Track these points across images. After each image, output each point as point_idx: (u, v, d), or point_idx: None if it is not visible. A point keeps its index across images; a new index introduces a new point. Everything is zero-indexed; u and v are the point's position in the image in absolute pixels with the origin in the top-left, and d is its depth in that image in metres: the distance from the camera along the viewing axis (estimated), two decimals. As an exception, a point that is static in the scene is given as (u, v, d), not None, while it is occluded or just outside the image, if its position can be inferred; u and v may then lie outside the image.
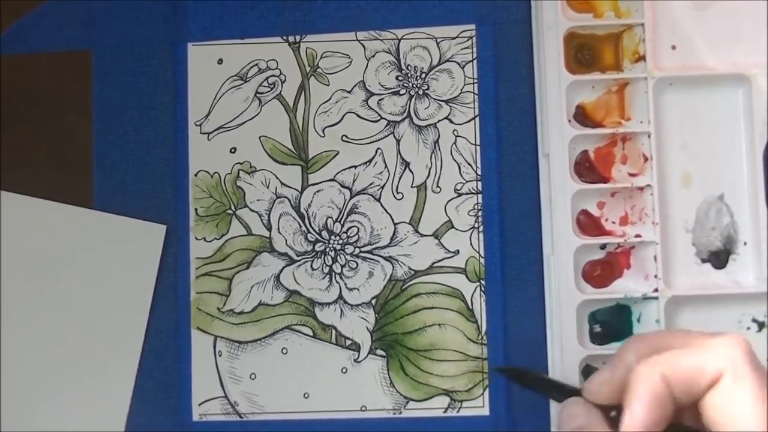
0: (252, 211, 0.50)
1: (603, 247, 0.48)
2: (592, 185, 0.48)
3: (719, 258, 0.48)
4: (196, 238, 0.50)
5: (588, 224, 0.49)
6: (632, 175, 0.49)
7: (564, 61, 0.48)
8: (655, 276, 0.48)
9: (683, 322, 0.48)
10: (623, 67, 0.49)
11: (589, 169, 0.49)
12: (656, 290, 0.47)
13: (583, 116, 0.49)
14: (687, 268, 0.48)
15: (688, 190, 0.49)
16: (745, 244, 0.48)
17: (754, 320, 0.48)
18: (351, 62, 0.50)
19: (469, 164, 0.50)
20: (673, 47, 0.49)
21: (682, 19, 0.49)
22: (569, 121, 0.48)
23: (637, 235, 0.48)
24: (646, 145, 0.48)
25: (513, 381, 0.48)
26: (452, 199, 0.50)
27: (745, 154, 0.48)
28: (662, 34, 0.49)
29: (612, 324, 0.48)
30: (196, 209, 0.50)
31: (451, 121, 0.50)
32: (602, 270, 0.48)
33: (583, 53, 0.49)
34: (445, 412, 0.49)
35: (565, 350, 0.47)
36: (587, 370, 0.47)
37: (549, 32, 0.48)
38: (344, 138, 0.50)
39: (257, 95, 0.50)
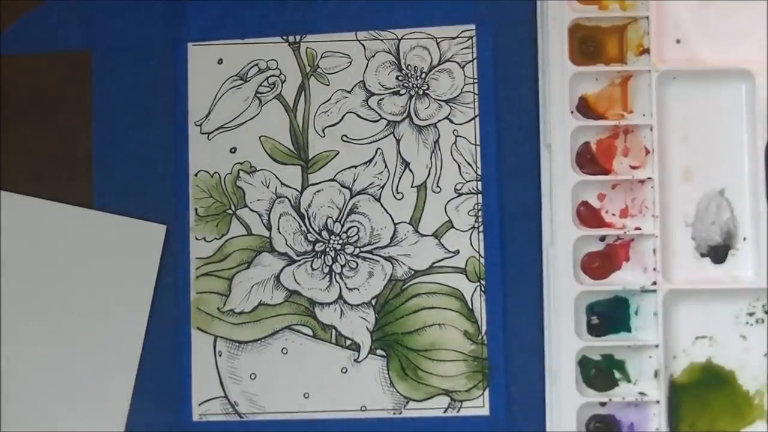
0: (252, 211, 0.50)
1: (602, 239, 0.49)
2: (593, 177, 0.48)
3: (718, 253, 0.49)
4: (196, 238, 0.50)
5: (588, 216, 0.49)
6: (633, 167, 0.49)
7: (568, 52, 0.48)
8: (654, 269, 0.48)
9: (681, 315, 0.48)
10: (627, 59, 0.49)
11: (590, 160, 0.49)
12: (655, 283, 0.48)
13: (585, 108, 0.49)
14: (686, 262, 0.49)
15: (689, 184, 0.49)
16: (744, 239, 0.49)
17: (752, 315, 0.48)
18: (351, 62, 0.50)
19: (469, 164, 0.50)
20: (678, 41, 0.49)
21: (687, 14, 0.49)
22: (572, 112, 0.48)
23: (637, 228, 0.48)
24: (648, 138, 0.48)
25: None
26: (452, 199, 0.50)
27: (747, 150, 0.49)
28: (667, 27, 0.49)
29: (610, 316, 0.48)
30: (196, 209, 0.50)
31: (451, 121, 0.50)
32: (601, 262, 0.49)
33: (588, 45, 0.49)
34: (445, 412, 0.49)
35: (563, 341, 0.47)
36: (583, 362, 0.48)
37: (554, 23, 0.48)
38: (344, 138, 0.50)
39: (257, 95, 0.50)
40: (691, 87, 0.49)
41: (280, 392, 0.49)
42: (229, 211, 0.50)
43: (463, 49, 0.50)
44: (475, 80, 0.50)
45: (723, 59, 0.49)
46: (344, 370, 0.49)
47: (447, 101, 0.50)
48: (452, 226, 0.49)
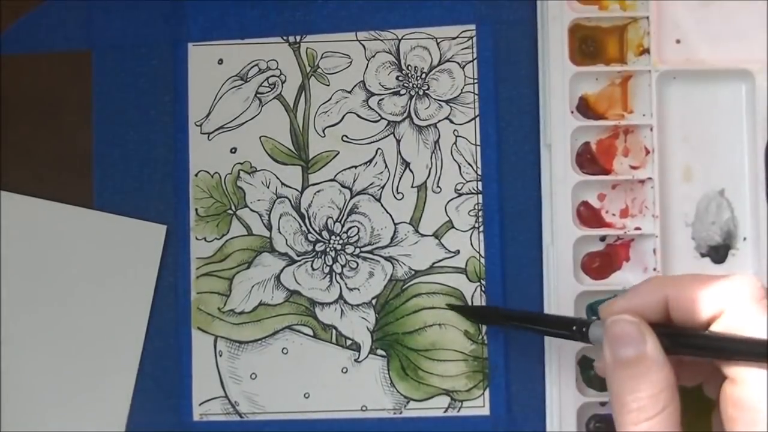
0: (252, 211, 0.50)
1: (603, 239, 0.49)
2: (593, 177, 0.48)
3: (718, 253, 0.49)
4: (197, 238, 0.50)
5: (588, 216, 0.49)
6: (633, 167, 0.49)
7: (568, 52, 0.48)
8: (654, 269, 0.48)
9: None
10: (627, 59, 0.49)
11: (590, 160, 0.49)
12: (655, 283, 0.48)
13: (585, 108, 0.49)
14: (686, 261, 0.49)
15: (689, 184, 0.49)
16: (744, 239, 0.49)
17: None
18: (351, 62, 0.50)
19: (469, 164, 0.50)
20: (678, 41, 0.49)
21: (687, 14, 0.49)
22: (572, 112, 0.48)
23: (637, 228, 0.48)
24: (648, 138, 0.48)
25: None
26: (452, 199, 0.50)
27: (747, 150, 0.49)
28: (667, 27, 0.49)
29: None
30: (196, 209, 0.50)
31: (452, 121, 0.50)
32: (601, 262, 0.49)
33: (588, 45, 0.49)
34: (445, 412, 0.49)
35: (563, 341, 0.47)
36: (583, 362, 0.48)
37: (554, 23, 0.48)
38: (344, 138, 0.50)
39: (257, 95, 0.50)
40: (691, 87, 0.49)
41: (280, 392, 0.49)
42: (230, 212, 0.50)
43: (463, 49, 0.50)
44: (476, 80, 0.50)
45: (723, 59, 0.49)
46: (344, 370, 0.49)
47: (447, 101, 0.50)
48: (452, 226, 0.49)
